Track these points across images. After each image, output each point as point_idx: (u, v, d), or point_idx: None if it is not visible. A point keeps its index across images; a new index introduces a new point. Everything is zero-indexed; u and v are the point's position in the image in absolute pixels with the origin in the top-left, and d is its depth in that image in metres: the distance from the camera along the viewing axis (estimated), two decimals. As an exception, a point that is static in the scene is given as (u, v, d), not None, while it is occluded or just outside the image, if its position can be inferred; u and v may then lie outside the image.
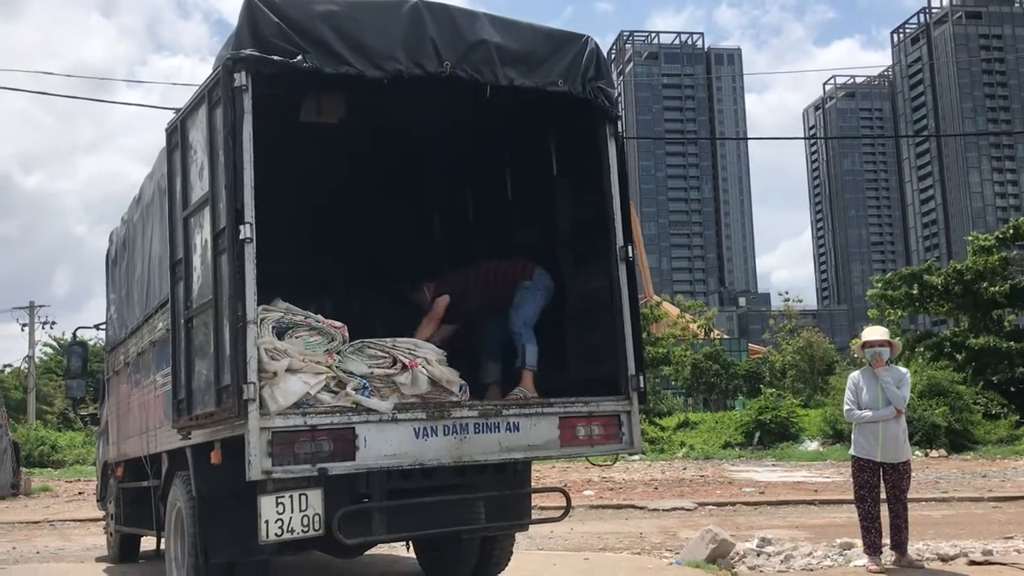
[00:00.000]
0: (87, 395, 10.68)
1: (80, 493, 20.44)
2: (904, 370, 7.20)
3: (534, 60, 5.75)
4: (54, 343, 53.22)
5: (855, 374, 7.26)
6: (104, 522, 9.72)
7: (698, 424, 33.93)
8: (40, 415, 43.78)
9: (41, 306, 45.73)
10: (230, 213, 4.79)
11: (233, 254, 4.75)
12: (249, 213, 4.77)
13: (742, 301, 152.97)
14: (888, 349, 7.08)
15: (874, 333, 7.22)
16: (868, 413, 6.96)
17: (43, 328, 46.12)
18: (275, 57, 4.93)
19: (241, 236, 4.73)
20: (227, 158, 4.84)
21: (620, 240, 5.90)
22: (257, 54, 4.89)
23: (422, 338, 5.88)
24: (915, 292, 31.40)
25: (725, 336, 72.76)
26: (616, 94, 6.26)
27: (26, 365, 45.55)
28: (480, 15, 5.68)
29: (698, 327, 50.75)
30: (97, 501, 10.36)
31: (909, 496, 7.20)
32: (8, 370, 50.23)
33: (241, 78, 4.86)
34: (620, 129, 6.07)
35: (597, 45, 6.07)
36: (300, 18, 5.07)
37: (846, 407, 7.18)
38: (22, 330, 44.80)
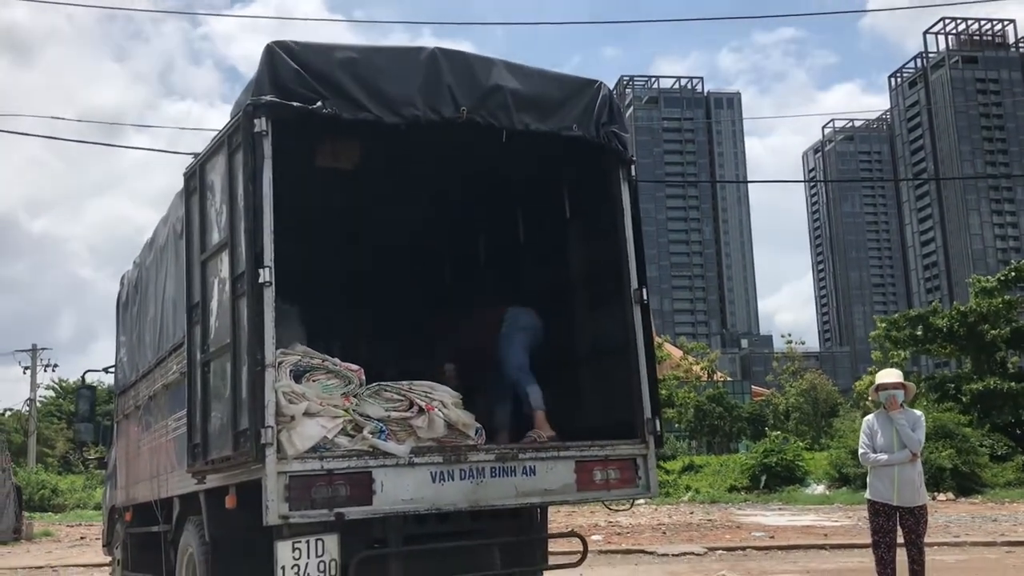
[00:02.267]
0: (95, 439, 10.63)
1: (82, 538, 20.28)
2: (919, 413, 7.17)
3: (549, 105, 5.81)
4: (56, 386, 53.17)
5: (869, 417, 7.22)
6: (110, 568, 9.63)
7: (703, 467, 33.68)
8: (41, 458, 43.57)
9: (43, 349, 45.66)
10: (249, 257, 4.81)
11: (252, 298, 4.77)
12: (268, 257, 4.80)
13: (744, 343, 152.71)
14: (903, 392, 7.06)
15: (888, 376, 7.20)
16: (883, 457, 6.92)
17: (45, 371, 46.02)
18: (295, 103, 4.98)
19: (260, 280, 4.75)
20: (247, 203, 4.87)
21: (635, 283, 5.92)
22: (277, 100, 4.94)
23: None
24: (919, 334, 31.41)
25: (728, 378, 72.48)
26: (628, 137, 6.30)
27: (27, 408, 45.37)
28: (496, 61, 5.74)
29: (701, 369, 50.63)
30: (103, 546, 10.27)
31: (921, 541, 7.12)
32: (9, 413, 50.05)
33: (261, 123, 4.91)
34: (633, 173, 6.12)
35: (610, 90, 6.15)
36: (319, 64, 5.13)
37: (861, 450, 7.14)
38: (24, 373, 44.70)
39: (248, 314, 4.79)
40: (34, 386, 45.32)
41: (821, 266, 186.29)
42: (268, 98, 4.93)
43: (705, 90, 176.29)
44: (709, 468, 33.14)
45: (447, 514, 5.24)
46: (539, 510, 6.10)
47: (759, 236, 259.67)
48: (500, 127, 5.58)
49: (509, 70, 5.73)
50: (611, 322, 6.14)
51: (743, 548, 13.56)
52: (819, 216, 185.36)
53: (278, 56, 5.04)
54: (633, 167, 6.12)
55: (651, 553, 13.24)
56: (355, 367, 5.31)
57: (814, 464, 29.01)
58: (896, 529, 7.00)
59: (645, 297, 5.91)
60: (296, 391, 4.88)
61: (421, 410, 5.21)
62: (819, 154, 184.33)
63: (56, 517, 29.85)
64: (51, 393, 53.36)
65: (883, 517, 6.99)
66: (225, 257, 5.11)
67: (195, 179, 5.67)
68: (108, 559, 9.96)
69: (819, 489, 26.23)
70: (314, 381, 5.07)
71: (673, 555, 12.95)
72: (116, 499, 9.00)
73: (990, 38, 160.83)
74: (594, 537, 15.34)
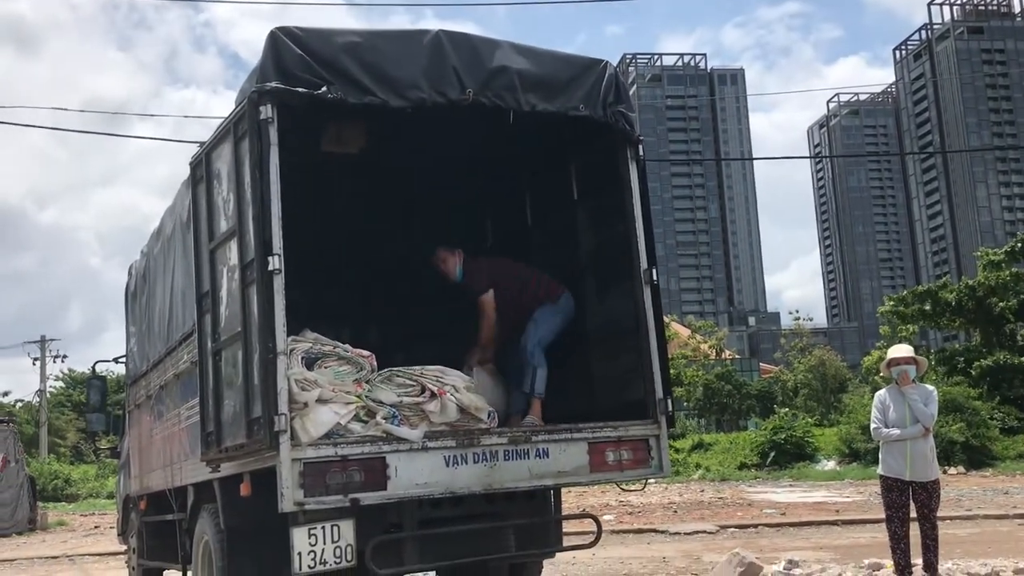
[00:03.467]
0: (106, 428, 10.67)
1: (96, 527, 20.42)
2: (931, 388, 7.15)
3: (555, 86, 5.77)
4: (65, 377, 53.43)
5: (881, 392, 7.21)
6: (126, 556, 9.69)
7: (712, 445, 33.71)
8: (52, 449, 43.84)
9: (52, 340, 45.85)
10: (258, 245, 4.80)
11: (262, 285, 4.76)
12: (277, 244, 4.78)
13: (751, 320, 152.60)
14: (914, 367, 7.04)
15: (900, 351, 7.17)
16: (896, 431, 6.91)
17: (54, 362, 46.26)
18: (300, 89, 4.96)
19: (270, 267, 4.74)
20: (254, 190, 4.85)
21: (644, 263, 5.90)
22: (282, 86, 4.92)
23: (485, 340, 5.97)
24: (927, 308, 31.37)
25: (736, 356, 72.52)
26: (635, 117, 6.27)
27: (38, 399, 45.61)
28: (500, 43, 5.70)
29: (709, 347, 50.65)
30: (118, 535, 10.32)
31: (933, 515, 7.12)
32: (20, 405, 50.31)
33: (267, 111, 4.88)
34: (641, 152, 6.09)
35: (616, 70, 6.11)
36: (323, 50, 5.10)
37: (873, 425, 7.13)
38: (33, 364, 44.94)
39: (258, 302, 4.78)
40: (44, 377, 45.58)
41: (828, 241, 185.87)
42: (273, 84, 4.91)
43: (709, 67, 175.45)
44: (719, 446, 33.18)
45: (461, 498, 5.25)
46: (553, 492, 6.11)
47: (765, 213, 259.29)
48: (506, 108, 5.55)
49: (514, 51, 5.69)
50: (621, 303, 6.12)
51: (755, 525, 13.59)
52: (825, 191, 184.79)
53: (282, 42, 5.01)
54: (641, 147, 6.10)
55: (663, 532, 13.29)
56: (366, 353, 5.31)
57: (824, 440, 29.03)
58: (909, 504, 7.00)
59: (655, 277, 5.89)
60: (308, 378, 4.88)
61: (433, 395, 5.21)
62: (824, 129, 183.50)
63: (69, 507, 30.06)
64: (61, 384, 53.68)
65: (896, 492, 6.98)
66: (233, 245, 5.10)
67: (201, 168, 5.65)
68: (123, 547, 10.02)
69: (829, 465, 26.26)
70: (326, 368, 5.08)
71: (685, 533, 12.99)
72: (130, 488, 9.04)
73: (995, 8, 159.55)
74: (606, 517, 15.39)
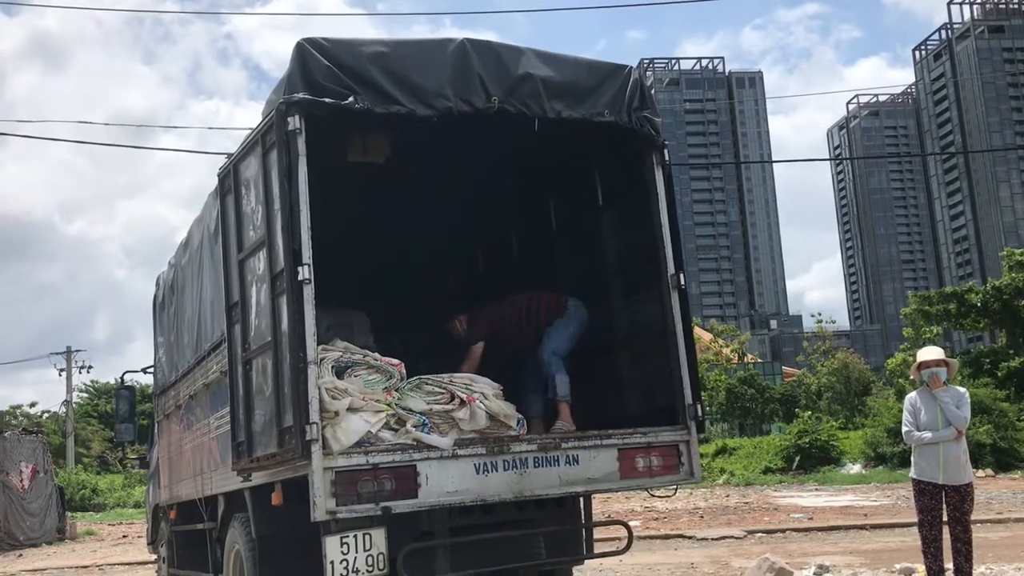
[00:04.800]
0: (134, 438, 10.75)
1: (124, 536, 20.54)
2: (963, 390, 7.07)
3: (580, 92, 5.78)
4: (90, 388, 53.89)
5: (912, 395, 7.14)
6: (156, 565, 9.75)
7: (736, 450, 33.50)
8: (78, 459, 44.14)
9: (78, 351, 46.25)
10: (287, 255, 4.83)
11: (292, 295, 4.78)
12: (307, 254, 4.81)
13: (773, 324, 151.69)
14: (945, 369, 6.96)
15: (930, 353, 7.09)
16: (928, 434, 6.84)
17: (80, 373, 46.65)
18: (327, 99, 4.99)
19: (300, 277, 4.77)
20: (283, 201, 4.88)
21: (671, 268, 5.89)
22: (310, 97, 4.95)
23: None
24: (952, 309, 31.12)
25: (758, 360, 72.11)
26: (660, 122, 6.26)
27: (64, 410, 45.99)
28: (524, 50, 5.72)
29: (732, 351, 50.39)
30: (148, 544, 10.39)
31: (962, 518, 7.04)
32: (46, 416, 50.74)
33: (295, 121, 4.92)
34: (666, 157, 6.08)
35: (641, 75, 6.11)
36: (350, 60, 5.13)
37: (904, 429, 7.06)
38: (60, 375, 45.33)
39: (288, 311, 4.81)
40: (70, 388, 45.97)
41: (849, 244, 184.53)
42: (301, 96, 4.94)
43: (727, 70, 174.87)
44: (743, 451, 32.96)
45: (492, 505, 5.26)
46: (583, 499, 6.10)
47: (785, 215, 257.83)
48: (532, 115, 5.57)
49: (538, 58, 5.71)
50: (648, 308, 6.12)
51: (783, 530, 13.49)
52: (846, 193, 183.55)
53: (309, 53, 5.05)
54: (666, 151, 6.08)
55: (690, 537, 13.21)
56: (395, 361, 5.33)
57: (848, 444, 28.78)
58: (942, 507, 6.92)
59: (683, 282, 5.87)
60: (339, 387, 4.90)
61: (463, 402, 5.22)
62: (844, 131, 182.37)
63: (97, 516, 30.25)
64: (86, 395, 54.12)
65: (928, 496, 6.91)
66: (263, 255, 5.13)
67: (229, 179, 5.69)
68: (153, 557, 10.08)
69: (855, 469, 26.03)
70: (356, 376, 5.10)
71: (712, 539, 12.91)
72: (160, 497, 9.10)
73: (1016, 6, 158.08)
74: (631, 523, 15.30)
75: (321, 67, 5.04)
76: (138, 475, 38.22)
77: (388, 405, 5.06)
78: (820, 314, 62.89)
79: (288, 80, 5.04)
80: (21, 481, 20.52)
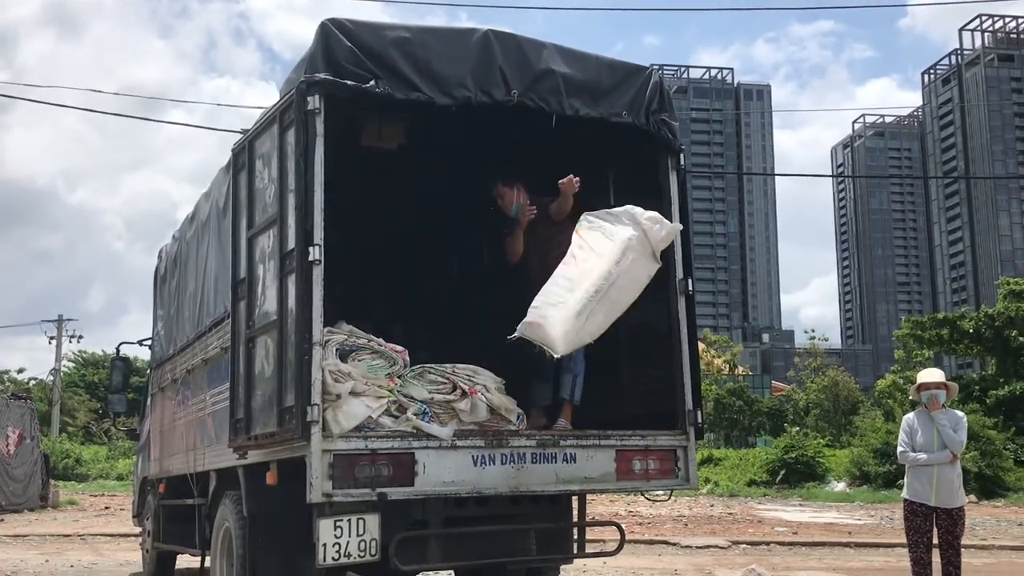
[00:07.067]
0: (127, 410, 10.72)
1: (107, 508, 20.51)
2: (961, 414, 7.07)
3: (599, 91, 5.76)
4: (78, 358, 53.81)
5: (909, 416, 7.14)
6: (140, 538, 9.71)
7: (722, 460, 33.60)
8: (63, 428, 44.05)
9: (69, 320, 46.10)
10: (299, 235, 4.80)
11: (301, 276, 4.76)
12: (318, 235, 4.79)
13: (765, 337, 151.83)
14: (944, 392, 6.97)
15: (931, 375, 7.10)
16: (923, 456, 6.85)
17: (70, 342, 46.54)
18: (348, 82, 4.96)
19: (310, 258, 4.74)
20: (298, 180, 4.86)
21: (680, 273, 5.88)
22: (331, 78, 4.92)
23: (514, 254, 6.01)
24: (945, 334, 31.22)
25: (748, 372, 72.24)
26: (678, 126, 6.22)
27: (51, 378, 45.89)
28: (547, 45, 5.68)
29: (723, 362, 50.50)
30: (133, 517, 10.37)
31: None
32: (33, 383, 50.62)
33: (314, 101, 4.89)
34: (682, 162, 6.07)
35: (661, 77, 6.09)
36: (373, 43, 5.10)
37: (900, 449, 7.06)
38: (49, 343, 45.19)
39: (296, 292, 4.78)
40: (59, 356, 45.87)
41: (846, 262, 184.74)
42: (322, 76, 4.91)
43: (735, 81, 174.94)
44: (728, 462, 33.05)
45: (487, 498, 5.24)
46: (579, 498, 6.08)
47: (785, 230, 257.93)
48: (550, 111, 5.54)
49: (560, 54, 5.68)
50: (653, 311, 6.09)
51: (767, 543, 13.50)
52: (846, 212, 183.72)
53: (332, 34, 5.02)
54: (682, 156, 6.06)
55: (674, 544, 13.21)
56: (399, 348, 5.30)
57: (834, 461, 28.86)
58: (933, 530, 6.93)
59: (691, 287, 5.86)
60: (342, 370, 4.88)
61: (464, 393, 5.20)
62: (848, 149, 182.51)
63: (80, 486, 30.23)
64: (74, 365, 54.03)
65: (920, 518, 6.91)
66: (273, 234, 5.10)
67: (244, 154, 5.66)
68: (137, 529, 10.05)
69: (839, 486, 26.09)
70: (360, 361, 5.07)
71: (697, 547, 12.92)
72: (148, 470, 9.07)
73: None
74: (616, 526, 15.31)
75: (344, 49, 5.01)
76: (122, 447, 38.21)
77: (390, 391, 5.04)
78: (814, 330, 63.05)
79: (310, 59, 5.00)
80: (7, 446, 20.43)
